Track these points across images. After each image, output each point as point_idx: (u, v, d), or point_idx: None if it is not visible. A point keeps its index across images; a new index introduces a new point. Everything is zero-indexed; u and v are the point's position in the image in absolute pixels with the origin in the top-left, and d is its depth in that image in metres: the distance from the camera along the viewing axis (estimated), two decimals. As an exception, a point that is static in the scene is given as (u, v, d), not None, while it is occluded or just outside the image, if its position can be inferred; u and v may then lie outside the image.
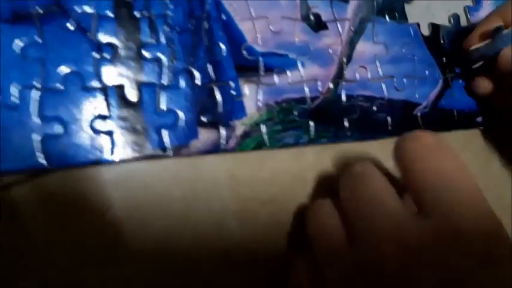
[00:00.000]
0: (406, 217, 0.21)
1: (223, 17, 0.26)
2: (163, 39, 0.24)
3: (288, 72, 0.27)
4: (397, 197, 0.22)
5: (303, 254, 0.25)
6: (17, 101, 0.22)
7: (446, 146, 0.22)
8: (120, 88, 0.23)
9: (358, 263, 0.21)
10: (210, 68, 0.25)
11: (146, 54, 0.24)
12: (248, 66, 0.26)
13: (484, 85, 0.31)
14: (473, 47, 0.31)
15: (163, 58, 0.24)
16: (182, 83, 0.25)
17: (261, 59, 0.27)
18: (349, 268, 0.21)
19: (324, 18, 0.28)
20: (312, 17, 0.28)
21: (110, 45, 0.23)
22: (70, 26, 0.23)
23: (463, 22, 0.34)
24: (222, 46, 0.26)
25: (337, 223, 0.23)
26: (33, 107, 0.22)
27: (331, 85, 0.28)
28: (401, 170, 0.22)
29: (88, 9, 0.23)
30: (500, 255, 0.19)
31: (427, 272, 0.19)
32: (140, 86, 0.24)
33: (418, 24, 0.32)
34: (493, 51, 0.30)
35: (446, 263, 0.19)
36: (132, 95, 0.24)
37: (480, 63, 0.31)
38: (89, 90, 0.23)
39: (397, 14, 0.31)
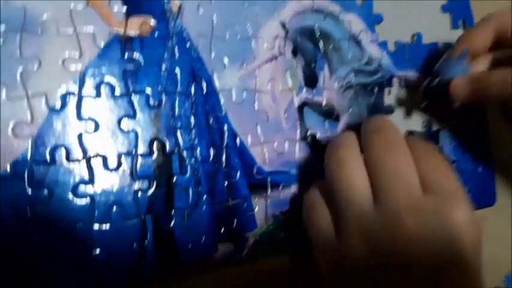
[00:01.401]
0: (418, 192, 0.25)
1: (238, 144, 0.30)
2: (189, 170, 0.28)
3: (292, 186, 0.32)
4: (415, 174, 0.25)
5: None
6: (70, 236, 0.25)
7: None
8: (154, 215, 0.27)
9: (380, 218, 0.25)
10: (226, 188, 0.30)
11: (176, 183, 0.28)
12: (258, 184, 0.31)
13: None
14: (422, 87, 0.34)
15: (190, 186, 0.28)
16: (205, 205, 0.29)
17: (268, 177, 0.31)
18: (371, 221, 0.25)
19: (318, 136, 0.33)
20: (308, 138, 0.33)
21: (146, 178, 0.27)
22: (112, 166, 0.26)
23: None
24: (237, 170, 0.30)
25: (364, 175, 0.26)
26: (84, 241, 0.25)
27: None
28: None
29: (129, 150, 0.27)
30: None
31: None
32: (171, 212, 0.28)
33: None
34: (440, 86, 0.33)
35: None
36: (164, 220, 0.28)
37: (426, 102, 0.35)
38: (129, 218, 0.27)
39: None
